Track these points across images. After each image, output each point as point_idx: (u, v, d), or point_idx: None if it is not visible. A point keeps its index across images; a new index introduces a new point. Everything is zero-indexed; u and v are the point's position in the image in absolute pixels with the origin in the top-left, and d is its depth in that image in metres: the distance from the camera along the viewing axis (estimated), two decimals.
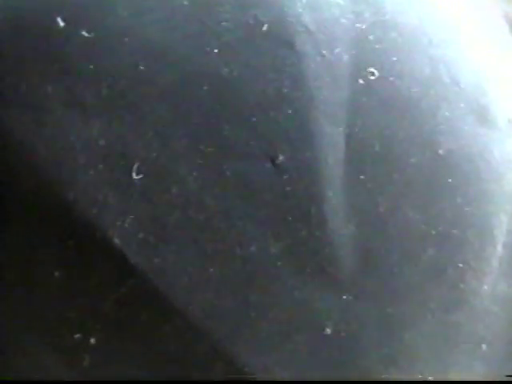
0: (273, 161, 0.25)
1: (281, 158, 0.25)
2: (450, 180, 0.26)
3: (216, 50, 0.25)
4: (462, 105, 0.26)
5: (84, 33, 0.25)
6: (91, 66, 0.25)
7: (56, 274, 0.24)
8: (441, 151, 0.25)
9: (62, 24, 0.25)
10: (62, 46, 0.25)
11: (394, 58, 0.25)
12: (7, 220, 0.24)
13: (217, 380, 0.24)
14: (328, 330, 0.25)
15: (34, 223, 0.24)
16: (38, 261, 0.24)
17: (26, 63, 0.25)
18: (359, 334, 0.25)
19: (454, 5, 0.28)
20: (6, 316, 0.25)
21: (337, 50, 0.25)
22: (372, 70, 0.25)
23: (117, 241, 0.24)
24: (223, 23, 0.25)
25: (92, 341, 0.24)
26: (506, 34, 0.28)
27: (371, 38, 0.26)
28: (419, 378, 0.26)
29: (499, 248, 0.26)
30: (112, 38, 0.25)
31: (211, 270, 0.24)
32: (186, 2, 0.25)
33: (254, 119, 0.25)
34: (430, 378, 0.26)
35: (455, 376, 0.26)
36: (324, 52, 0.25)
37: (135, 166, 0.24)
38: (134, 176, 0.24)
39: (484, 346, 0.26)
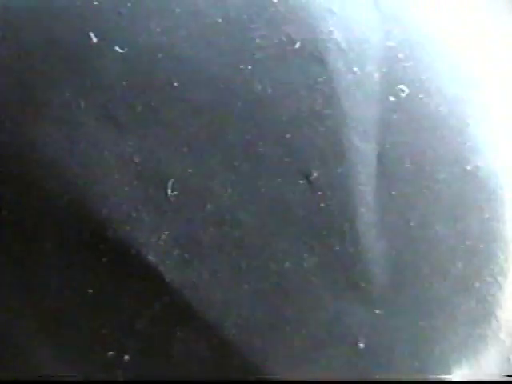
0: (307, 177, 0.25)
1: (314, 174, 0.25)
2: (477, 195, 0.26)
3: (250, 67, 0.25)
4: (488, 122, 0.27)
5: (117, 48, 0.25)
6: (124, 82, 0.25)
7: (90, 290, 0.24)
8: (468, 167, 0.26)
9: (95, 39, 0.25)
10: (94, 61, 0.25)
11: (423, 76, 0.26)
12: (42, 237, 0.24)
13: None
14: (361, 345, 0.25)
15: (67, 240, 0.24)
16: (72, 278, 0.24)
17: (58, 78, 0.25)
18: (391, 348, 0.25)
19: (482, 22, 0.29)
20: (38, 333, 0.25)
21: (368, 68, 0.26)
22: (402, 87, 0.26)
23: (151, 258, 0.24)
24: (256, 40, 0.25)
25: (126, 358, 0.24)
26: None
27: (401, 55, 0.26)
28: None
29: None
30: (145, 54, 0.25)
31: (246, 285, 0.25)
32: (219, 19, 0.25)
33: (288, 136, 0.25)
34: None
35: None
36: (355, 69, 0.26)
37: (170, 183, 0.25)
38: (169, 193, 0.24)
39: (511, 358, 0.27)
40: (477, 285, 0.26)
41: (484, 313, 0.26)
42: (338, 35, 0.26)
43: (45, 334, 0.25)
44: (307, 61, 0.25)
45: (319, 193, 0.25)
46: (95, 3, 0.25)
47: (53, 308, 0.25)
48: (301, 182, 0.25)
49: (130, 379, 0.25)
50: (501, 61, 0.28)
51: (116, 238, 0.24)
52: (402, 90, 0.26)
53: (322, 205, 0.25)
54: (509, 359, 0.27)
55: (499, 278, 0.27)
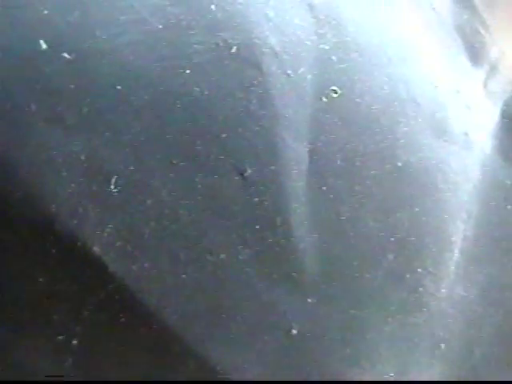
0: (241, 174, 0.27)
1: (249, 171, 0.27)
2: (408, 190, 0.28)
3: (188, 71, 0.27)
4: (419, 120, 0.29)
5: (65, 55, 0.27)
6: (72, 86, 0.27)
7: (41, 279, 0.27)
8: (399, 163, 0.28)
9: (44, 46, 0.27)
10: (44, 66, 0.27)
11: (356, 77, 0.28)
12: None
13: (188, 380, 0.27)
14: (294, 331, 0.27)
15: (19, 233, 0.27)
16: (23, 268, 0.27)
17: (10, 83, 0.27)
18: (323, 335, 0.28)
19: (412, 24, 0.30)
20: None
21: (301, 70, 0.28)
22: (334, 88, 0.28)
23: (96, 249, 0.27)
24: (194, 46, 0.28)
25: (74, 342, 0.27)
26: (460, 49, 0.31)
27: (334, 58, 0.28)
28: (385, 377, 0.28)
29: (456, 253, 0.29)
30: (91, 60, 0.28)
31: (184, 275, 0.27)
32: (160, 26, 0.28)
33: (224, 135, 0.27)
34: (392, 377, 0.28)
35: (415, 375, 0.28)
36: (289, 72, 0.28)
37: (113, 180, 0.27)
38: (113, 189, 0.27)
39: (443, 346, 0.29)
40: (408, 276, 0.28)
41: (415, 303, 0.28)
42: (272, 40, 0.28)
43: (1, 320, 0.27)
44: (243, 64, 0.28)
45: (253, 188, 0.27)
46: (45, 12, 0.28)
47: (7, 296, 0.27)
48: (236, 178, 0.27)
49: (79, 363, 0.27)
50: (431, 59, 0.30)
51: (64, 232, 0.27)
52: (335, 91, 0.28)
53: (256, 199, 0.27)
54: (439, 346, 0.29)
55: (431, 269, 0.29)
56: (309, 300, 0.28)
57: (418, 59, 0.30)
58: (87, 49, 0.28)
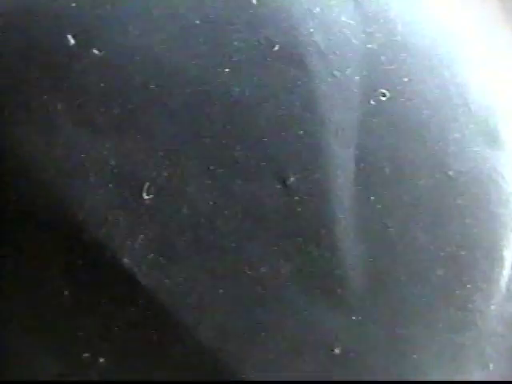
0: (283, 182, 0.26)
1: (291, 179, 0.25)
2: (459, 201, 0.27)
3: (227, 70, 0.26)
4: (471, 126, 0.27)
5: (95, 51, 0.26)
6: (102, 85, 0.26)
7: (66, 292, 0.25)
8: (450, 173, 0.27)
9: (72, 42, 0.26)
10: (72, 63, 0.26)
11: (405, 79, 0.27)
12: (17, 239, 0.25)
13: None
14: (337, 351, 0.26)
15: (43, 242, 0.25)
16: (48, 279, 0.25)
17: (36, 81, 0.26)
18: (368, 355, 0.26)
19: (466, 26, 0.29)
20: (16, 334, 0.25)
21: (348, 71, 0.26)
22: (383, 90, 0.26)
23: (127, 261, 0.25)
24: (235, 43, 0.26)
25: (101, 360, 0.25)
26: None
27: (382, 58, 0.27)
28: None
29: (507, 269, 0.27)
30: (123, 57, 0.26)
31: (221, 290, 0.25)
32: (197, 21, 0.26)
33: (265, 140, 0.26)
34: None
35: None
36: (335, 72, 0.26)
37: (145, 186, 0.25)
38: (145, 196, 0.25)
39: (491, 366, 0.27)
40: (457, 292, 0.27)
41: (464, 320, 0.27)
42: (318, 38, 0.26)
43: (21, 334, 0.25)
44: (286, 64, 0.26)
45: (296, 198, 0.25)
46: (73, 5, 0.26)
47: (30, 309, 0.26)
48: (277, 186, 0.26)
49: (105, 381, 0.26)
50: (485, 62, 0.28)
51: (92, 241, 0.25)
52: (383, 94, 0.26)
53: (299, 210, 0.26)
54: (488, 366, 0.27)
55: (481, 285, 0.27)
56: (353, 317, 0.26)
57: (471, 62, 0.28)
58: (118, 45, 0.26)
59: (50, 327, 0.26)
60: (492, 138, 0.28)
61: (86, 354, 0.25)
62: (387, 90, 0.26)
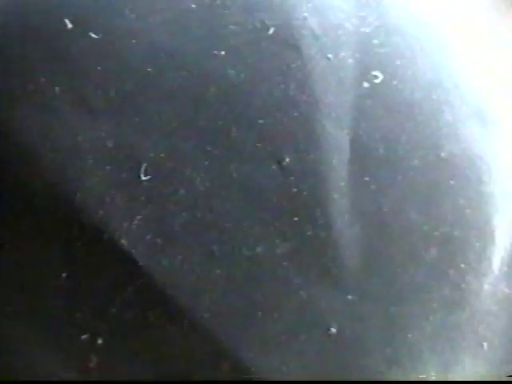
0: (279, 163, 0.26)
1: (287, 159, 0.26)
2: (451, 182, 0.27)
3: (223, 53, 0.26)
4: (463, 108, 0.28)
5: (92, 34, 0.26)
6: (99, 68, 0.26)
7: (64, 274, 0.25)
8: (443, 154, 0.27)
9: (69, 25, 0.26)
10: (69, 47, 0.26)
11: (398, 62, 0.27)
12: (15, 221, 0.25)
13: (219, 380, 0.26)
14: (333, 330, 0.26)
15: (41, 224, 0.26)
16: (46, 262, 0.25)
17: (33, 64, 0.26)
18: (363, 334, 0.26)
19: (458, 10, 0.29)
20: (13, 316, 0.26)
21: (342, 54, 0.27)
22: (376, 73, 0.27)
23: (124, 242, 0.25)
24: (230, 26, 0.26)
25: (99, 341, 0.25)
26: (508, 38, 0.30)
27: (375, 41, 0.27)
28: (421, 377, 0.27)
29: (500, 249, 0.28)
30: (120, 40, 0.26)
31: (218, 270, 0.26)
32: (193, 5, 0.26)
33: (261, 121, 0.26)
34: (433, 377, 0.27)
35: (457, 375, 0.27)
36: (329, 55, 0.27)
37: (143, 168, 0.26)
38: (142, 177, 0.25)
39: (485, 345, 0.28)
40: (451, 272, 0.27)
41: (458, 300, 0.27)
42: (312, 21, 0.27)
43: (19, 316, 0.26)
44: (281, 47, 0.26)
45: (291, 178, 0.26)
46: None
47: (28, 291, 0.26)
48: (273, 167, 0.26)
49: (104, 362, 0.26)
50: (477, 47, 0.29)
51: (89, 223, 0.25)
52: (376, 76, 0.27)
53: (295, 190, 0.26)
54: (482, 345, 0.28)
55: (474, 265, 0.27)
56: (349, 297, 0.26)
57: (463, 45, 0.29)
58: (115, 28, 0.26)
59: (49, 309, 0.26)
60: (483, 120, 0.28)
61: (85, 335, 0.26)
62: (380, 72, 0.27)
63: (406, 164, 0.27)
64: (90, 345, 0.26)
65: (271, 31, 0.26)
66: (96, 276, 0.26)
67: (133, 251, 0.25)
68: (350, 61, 0.27)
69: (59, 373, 0.26)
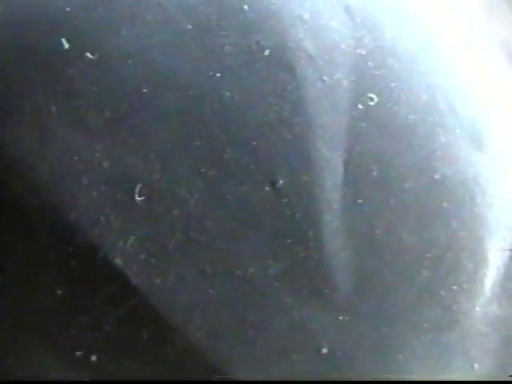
0: (273, 184, 0.26)
1: (280, 181, 0.26)
2: (444, 204, 0.27)
3: (218, 74, 0.26)
4: (457, 130, 0.28)
5: (88, 54, 0.26)
6: (95, 88, 0.26)
7: (58, 292, 0.26)
8: (436, 176, 0.27)
9: (66, 45, 0.26)
10: (66, 67, 0.26)
11: (393, 84, 0.27)
12: (10, 239, 0.26)
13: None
14: (324, 350, 0.26)
15: (36, 242, 0.26)
16: (41, 279, 0.26)
17: (30, 83, 0.26)
18: (354, 354, 0.27)
19: (453, 33, 0.29)
20: (9, 332, 0.26)
21: (337, 76, 0.27)
22: (371, 95, 0.27)
23: (118, 261, 0.26)
24: (226, 47, 0.26)
25: (93, 358, 0.26)
26: (502, 62, 0.30)
27: (370, 64, 0.27)
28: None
29: (492, 270, 0.28)
30: (116, 61, 0.26)
31: (210, 290, 0.26)
32: (189, 26, 0.27)
33: (255, 143, 0.26)
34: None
35: None
36: (324, 77, 0.27)
37: (137, 188, 0.26)
38: (137, 197, 0.26)
39: (476, 366, 0.28)
40: (442, 293, 0.27)
41: (449, 321, 0.27)
42: (307, 43, 0.27)
43: (14, 332, 0.26)
44: (276, 68, 0.27)
45: (285, 200, 0.26)
46: (67, 9, 0.27)
47: (23, 308, 0.26)
48: (267, 188, 0.26)
49: (98, 379, 0.26)
50: (471, 69, 0.29)
51: (84, 242, 0.26)
52: (371, 99, 0.27)
53: (288, 212, 0.26)
54: (473, 366, 0.28)
55: (466, 287, 0.28)
56: (340, 317, 0.26)
57: (458, 68, 0.29)
58: (112, 49, 0.27)
59: (43, 326, 0.26)
60: (478, 143, 0.28)
61: (79, 352, 0.26)
62: (375, 94, 0.27)
63: (400, 186, 0.27)
64: (84, 361, 0.26)
65: (267, 53, 0.27)
66: (90, 294, 0.26)
67: (127, 270, 0.26)
68: (345, 83, 0.27)
69: None
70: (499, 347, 0.28)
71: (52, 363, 0.26)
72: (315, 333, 0.26)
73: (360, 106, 0.27)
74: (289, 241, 0.26)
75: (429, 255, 0.27)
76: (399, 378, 0.27)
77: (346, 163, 0.27)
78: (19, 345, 0.26)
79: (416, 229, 0.27)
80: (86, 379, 0.26)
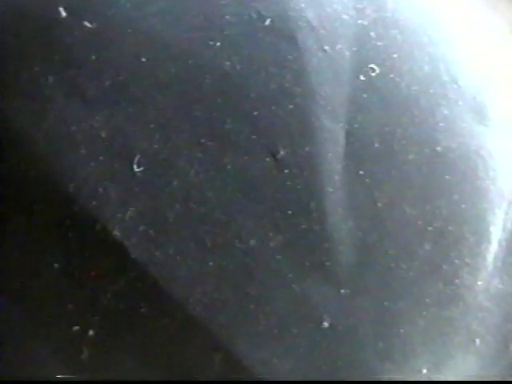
0: (273, 155, 0.26)
1: (281, 152, 0.26)
2: (447, 177, 0.27)
3: (218, 44, 0.26)
4: (460, 103, 0.28)
5: (86, 23, 0.26)
6: (93, 57, 0.26)
7: (56, 265, 0.25)
8: (439, 148, 0.27)
9: (64, 14, 0.26)
10: (63, 36, 0.26)
11: (395, 55, 0.27)
12: (7, 211, 0.25)
13: (217, 380, 0.26)
14: (325, 324, 0.26)
15: (34, 214, 0.25)
16: (38, 252, 0.25)
17: (27, 53, 0.26)
18: (356, 328, 0.26)
19: (456, 4, 0.29)
20: (3, 307, 0.26)
21: (338, 46, 0.27)
22: (373, 66, 0.27)
23: (117, 233, 0.25)
24: (226, 17, 0.26)
25: (90, 333, 0.25)
26: (505, 33, 0.30)
27: (372, 34, 0.27)
28: (420, 375, 0.27)
29: (494, 244, 0.28)
30: (114, 29, 0.26)
31: (211, 263, 0.25)
32: None
33: (256, 113, 0.26)
34: (424, 371, 0.27)
35: (449, 370, 0.27)
36: (326, 47, 0.27)
37: (136, 159, 0.25)
38: (135, 168, 0.25)
39: (477, 341, 0.28)
40: (445, 267, 0.27)
41: (451, 295, 0.27)
42: (309, 13, 0.27)
43: (9, 307, 0.26)
44: (277, 38, 0.26)
45: (286, 171, 0.26)
46: None
47: (20, 282, 0.26)
48: (267, 159, 0.26)
49: (95, 354, 0.26)
50: (474, 40, 0.29)
51: (82, 213, 0.25)
52: (373, 69, 0.27)
53: (289, 183, 0.26)
54: (474, 341, 0.28)
55: (468, 260, 0.28)
56: (342, 291, 0.26)
57: (461, 40, 0.28)
58: (110, 17, 0.26)
59: (40, 300, 0.26)
60: (480, 115, 0.28)
61: (76, 327, 0.26)
62: (377, 65, 0.27)
63: (402, 158, 0.27)
64: (81, 336, 0.26)
65: (267, 22, 0.26)
66: (88, 267, 0.25)
67: (125, 242, 0.25)
68: (347, 53, 0.27)
69: (51, 364, 0.26)
70: (501, 322, 0.28)
71: (49, 338, 0.26)
72: (316, 306, 0.26)
73: (362, 77, 0.27)
74: (290, 212, 0.26)
75: (431, 228, 0.27)
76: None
77: (348, 134, 0.26)
78: (15, 319, 0.26)
79: (418, 201, 0.27)
80: (83, 354, 0.26)
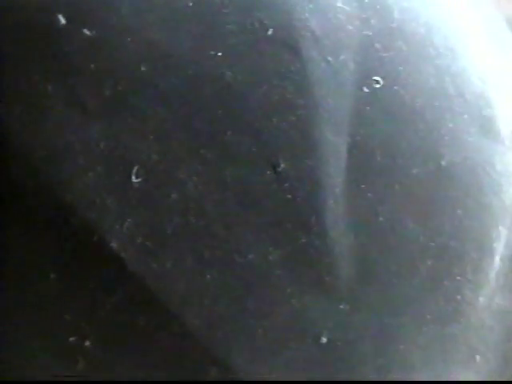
0: (274, 168, 0.25)
1: (282, 165, 0.25)
2: (451, 192, 0.27)
3: (220, 54, 0.25)
4: (465, 116, 0.27)
5: (86, 31, 0.25)
6: (92, 66, 0.25)
7: (52, 275, 0.25)
8: (443, 163, 0.26)
9: (63, 22, 0.25)
10: (62, 44, 0.25)
11: (400, 68, 0.26)
12: (3, 220, 0.25)
13: (216, 380, 0.25)
14: (324, 339, 0.26)
15: (30, 224, 0.25)
16: (34, 262, 0.25)
17: (25, 61, 0.25)
18: (355, 344, 0.26)
19: (462, 16, 0.29)
20: (3, 317, 0.25)
21: (342, 57, 0.26)
22: (377, 78, 0.26)
23: (114, 245, 0.25)
24: (228, 26, 0.26)
25: (87, 343, 0.25)
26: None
27: (377, 45, 0.26)
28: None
29: (497, 261, 0.27)
30: (114, 38, 0.25)
31: (209, 276, 0.25)
32: (190, 3, 0.26)
33: (257, 125, 0.25)
34: None
35: None
36: (329, 58, 0.26)
37: (135, 170, 0.25)
38: (134, 179, 0.25)
39: (478, 358, 0.28)
40: (446, 283, 0.27)
41: (452, 312, 0.27)
42: (313, 22, 0.26)
43: (5, 317, 0.25)
44: (280, 48, 0.26)
45: (286, 184, 0.25)
46: None
47: (16, 292, 0.25)
48: (268, 172, 0.25)
49: (91, 365, 0.26)
50: (481, 53, 0.28)
51: (79, 224, 0.25)
52: (377, 81, 0.26)
53: (289, 196, 0.25)
54: (474, 358, 0.27)
55: (470, 277, 0.27)
56: (341, 306, 0.26)
57: (467, 52, 0.28)
58: (110, 25, 0.26)
59: (36, 310, 0.26)
60: (486, 129, 0.28)
61: (72, 338, 0.25)
62: (381, 77, 0.26)
63: (405, 172, 0.26)
64: (77, 347, 0.25)
65: (270, 32, 0.26)
66: (85, 278, 0.25)
67: (123, 254, 0.25)
68: (351, 64, 0.26)
69: (47, 374, 0.26)
70: (502, 339, 0.28)
71: (44, 349, 0.26)
72: (315, 322, 0.26)
73: (365, 89, 0.26)
74: (290, 226, 0.25)
75: (433, 244, 0.26)
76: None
77: (350, 147, 0.26)
78: (10, 330, 0.26)
79: (420, 216, 0.26)
80: (79, 364, 0.26)
